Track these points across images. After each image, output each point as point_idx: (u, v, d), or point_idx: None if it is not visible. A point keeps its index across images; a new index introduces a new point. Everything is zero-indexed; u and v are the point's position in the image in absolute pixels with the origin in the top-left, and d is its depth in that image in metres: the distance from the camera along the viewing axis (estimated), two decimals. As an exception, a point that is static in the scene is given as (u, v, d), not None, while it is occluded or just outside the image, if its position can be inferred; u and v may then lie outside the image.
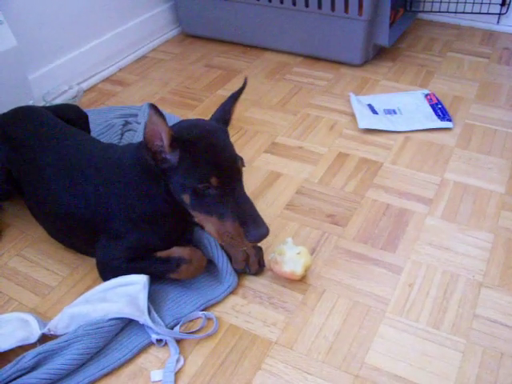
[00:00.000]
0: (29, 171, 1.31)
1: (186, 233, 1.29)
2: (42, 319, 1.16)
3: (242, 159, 1.12)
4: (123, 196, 1.18)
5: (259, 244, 1.30)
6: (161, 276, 1.22)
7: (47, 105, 1.77)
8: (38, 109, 1.47)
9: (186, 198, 1.09)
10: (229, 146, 1.11)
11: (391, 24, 2.19)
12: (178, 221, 1.21)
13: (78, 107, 1.59)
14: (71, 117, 1.50)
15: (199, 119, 1.18)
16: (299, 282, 1.25)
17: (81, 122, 1.54)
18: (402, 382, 1.05)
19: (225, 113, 1.18)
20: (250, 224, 1.05)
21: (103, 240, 1.22)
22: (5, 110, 1.45)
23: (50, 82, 1.93)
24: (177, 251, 1.20)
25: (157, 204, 1.17)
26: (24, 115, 1.42)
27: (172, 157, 1.07)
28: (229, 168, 1.07)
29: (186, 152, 1.06)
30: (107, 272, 1.21)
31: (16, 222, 1.46)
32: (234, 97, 1.18)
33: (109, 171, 1.21)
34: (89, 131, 1.59)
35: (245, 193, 1.10)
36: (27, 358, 1.05)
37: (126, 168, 1.18)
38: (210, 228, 1.10)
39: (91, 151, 1.28)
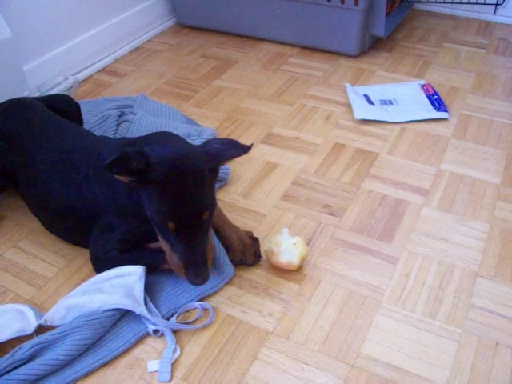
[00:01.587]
0: (22, 164, 1.31)
1: None
2: (39, 310, 1.16)
3: (210, 209, 1.07)
4: (111, 189, 1.17)
5: (255, 234, 1.31)
6: (154, 266, 1.22)
7: (41, 95, 1.76)
8: (30, 101, 1.46)
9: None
10: (197, 195, 1.04)
11: (387, 14, 2.18)
12: None
13: (69, 97, 1.59)
14: (63, 107, 1.50)
15: (183, 149, 1.08)
16: (295, 272, 1.26)
17: (73, 112, 1.53)
18: (397, 372, 1.05)
19: (215, 160, 1.08)
20: (191, 270, 1.05)
21: (96, 232, 1.22)
22: (0, 101, 1.44)
23: (46, 73, 1.92)
24: None
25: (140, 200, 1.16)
26: (16, 108, 1.41)
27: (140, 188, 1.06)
28: (190, 218, 1.03)
29: (154, 189, 1.03)
30: (100, 264, 1.21)
31: (12, 214, 1.45)
32: (231, 155, 1.09)
33: (98, 165, 1.20)
34: (81, 121, 1.59)
35: (203, 240, 1.06)
36: (24, 350, 1.05)
37: None
38: (163, 248, 1.11)
39: (83, 144, 1.27)
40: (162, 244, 1.11)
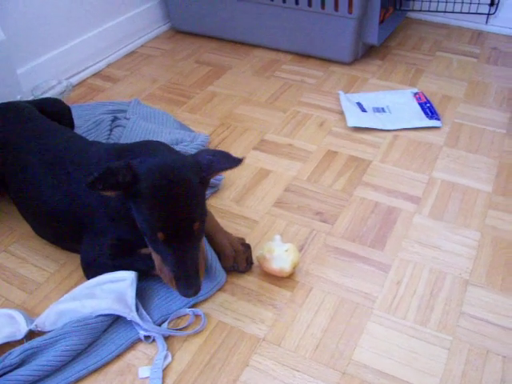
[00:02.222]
0: (13, 168, 1.31)
1: None
2: (30, 315, 1.16)
3: (201, 219, 1.07)
4: (101, 195, 1.17)
5: (247, 241, 1.31)
6: (146, 272, 1.21)
7: (34, 99, 1.76)
8: (21, 105, 1.45)
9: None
10: (187, 206, 1.04)
11: (381, 22, 2.20)
12: None
13: (60, 101, 1.59)
14: (54, 111, 1.50)
15: (172, 160, 1.08)
16: (287, 279, 1.26)
17: (64, 116, 1.53)
18: (388, 379, 1.05)
19: (206, 171, 1.08)
20: (182, 282, 1.04)
21: (87, 238, 1.21)
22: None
23: (39, 77, 1.91)
24: None
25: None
26: (6, 112, 1.41)
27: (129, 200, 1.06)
28: (180, 228, 1.03)
29: (143, 201, 1.03)
30: (91, 270, 1.21)
31: (3, 218, 1.45)
32: (223, 167, 1.09)
33: (89, 170, 1.19)
34: (72, 125, 1.59)
35: (194, 251, 1.06)
36: (14, 355, 1.05)
37: None
38: (154, 259, 1.11)
39: (74, 148, 1.27)
40: (153, 255, 1.10)
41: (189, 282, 1.04)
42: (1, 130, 1.35)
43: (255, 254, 1.29)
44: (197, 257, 1.07)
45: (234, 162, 1.10)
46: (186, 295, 1.05)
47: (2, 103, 1.45)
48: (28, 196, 1.28)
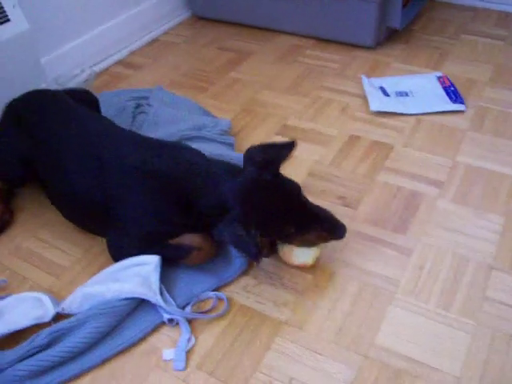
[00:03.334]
0: (45, 153, 1.32)
1: None
2: (56, 299, 1.18)
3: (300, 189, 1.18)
4: (140, 204, 1.19)
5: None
6: (171, 262, 1.23)
7: (59, 88, 1.78)
8: (53, 91, 1.47)
9: None
10: (286, 198, 1.14)
11: (404, 6, 2.16)
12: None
13: (89, 92, 1.60)
14: (83, 100, 1.51)
15: (250, 178, 1.14)
16: (310, 263, 1.26)
17: (92, 106, 1.54)
18: (410, 363, 1.05)
19: (276, 166, 1.16)
20: (333, 227, 1.17)
21: (115, 227, 1.23)
22: (18, 94, 1.45)
23: (63, 65, 1.93)
24: (188, 238, 1.21)
25: (173, 225, 1.21)
26: (38, 98, 1.42)
27: None
28: (294, 212, 1.14)
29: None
30: (120, 257, 1.23)
31: (28, 205, 1.47)
32: (285, 155, 1.18)
33: (134, 174, 1.21)
34: None
35: (314, 206, 1.18)
36: (42, 336, 1.07)
37: (163, 186, 1.19)
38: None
39: (109, 138, 1.28)
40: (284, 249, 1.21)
41: (335, 222, 1.16)
42: (34, 116, 1.37)
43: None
44: (319, 207, 1.17)
45: (288, 147, 1.19)
46: (343, 233, 1.16)
47: (36, 90, 1.47)
48: (58, 181, 1.29)
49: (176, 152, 1.24)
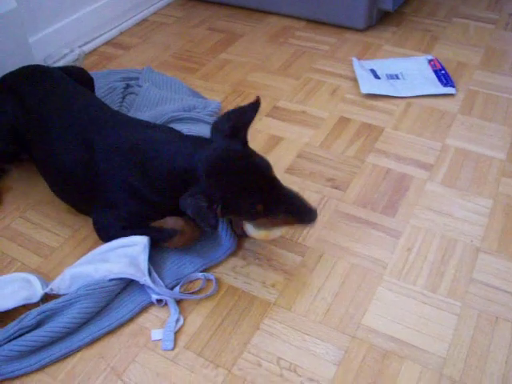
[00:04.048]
0: (37, 128, 1.31)
1: None
2: (45, 279, 1.18)
3: (270, 167, 1.13)
4: (121, 168, 1.18)
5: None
6: (155, 244, 1.22)
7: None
8: (47, 67, 1.47)
9: None
10: (255, 167, 1.10)
11: (396, -12, 2.16)
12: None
13: (85, 70, 1.58)
14: (78, 79, 1.49)
15: (221, 147, 1.11)
16: (298, 244, 1.26)
17: (87, 85, 1.53)
18: (397, 343, 1.06)
19: (242, 132, 1.14)
20: (301, 213, 1.11)
21: (99, 205, 1.23)
22: (5, 73, 1.44)
23: (51, 45, 1.91)
24: (170, 222, 1.21)
25: (150, 204, 1.19)
26: (34, 73, 1.42)
27: None
28: (264, 188, 1.09)
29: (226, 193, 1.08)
30: (104, 233, 1.23)
31: (18, 185, 1.46)
32: (251, 117, 1.16)
33: (119, 152, 1.20)
34: None
35: (287, 190, 1.14)
36: (30, 317, 1.07)
37: (148, 165, 1.17)
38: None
39: (101, 118, 1.27)
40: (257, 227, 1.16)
41: (305, 207, 1.10)
42: (27, 90, 1.36)
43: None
44: (290, 190, 1.12)
45: (253, 108, 1.15)
46: (312, 219, 1.10)
47: (30, 65, 1.46)
48: (48, 156, 1.29)
49: (151, 130, 1.23)
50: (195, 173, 1.09)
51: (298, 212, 1.10)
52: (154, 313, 1.14)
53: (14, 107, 1.34)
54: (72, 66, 1.62)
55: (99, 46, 2.12)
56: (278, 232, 1.16)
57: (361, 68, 1.86)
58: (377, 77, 1.83)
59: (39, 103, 1.33)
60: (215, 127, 1.14)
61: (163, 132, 1.24)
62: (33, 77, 1.40)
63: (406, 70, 1.89)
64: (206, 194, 1.05)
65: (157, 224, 1.22)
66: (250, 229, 1.17)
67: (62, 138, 1.26)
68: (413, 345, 1.06)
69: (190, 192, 1.06)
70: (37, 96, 1.34)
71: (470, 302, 1.14)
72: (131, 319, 1.12)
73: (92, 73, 1.82)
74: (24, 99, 1.34)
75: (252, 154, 1.13)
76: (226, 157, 1.09)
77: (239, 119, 1.14)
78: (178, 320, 1.11)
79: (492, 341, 1.07)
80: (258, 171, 1.09)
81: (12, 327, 1.06)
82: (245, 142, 1.13)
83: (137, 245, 1.16)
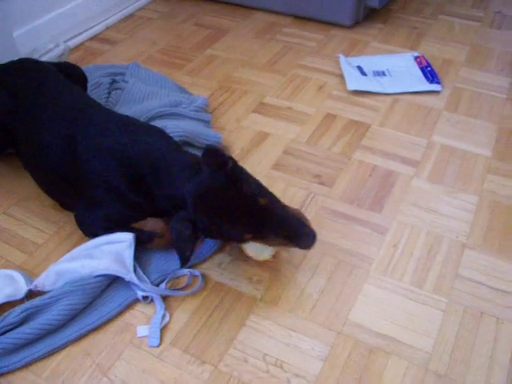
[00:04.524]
0: (25, 121, 1.30)
1: None
2: (29, 276, 1.17)
3: (262, 194, 1.09)
4: (106, 169, 1.18)
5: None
6: (138, 245, 1.21)
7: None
8: (40, 61, 1.46)
9: None
10: (242, 198, 1.07)
11: (383, -15, 2.16)
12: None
13: (77, 66, 1.56)
14: (70, 76, 1.47)
15: (207, 179, 1.07)
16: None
17: (79, 83, 1.52)
18: (383, 339, 1.07)
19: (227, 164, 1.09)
20: (297, 238, 1.08)
21: (83, 202, 1.22)
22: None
23: (36, 40, 1.89)
24: (150, 224, 1.21)
25: (131, 206, 1.19)
26: (25, 66, 1.41)
27: None
28: (251, 220, 1.07)
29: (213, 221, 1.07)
30: (86, 229, 1.24)
31: (2, 180, 1.45)
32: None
33: (97, 144, 1.20)
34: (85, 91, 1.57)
35: (281, 210, 1.10)
36: (14, 314, 1.06)
37: (139, 176, 1.16)
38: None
39: (87, 115, 1.26)
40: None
41: (301, 231, 1.06)
42: (17, 82, 1.35)
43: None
44: (288, 209, 1.09)
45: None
46: (309, 244, 1.06)
47: (21, 58, 1.45)
48: (35, 150, 1.27)
49: (142, 132, 1.23)
50: (185, 201, 1.09)
51: (292, 237, 1.06)
52: (140, 309, 1.13)
53: (4, 100, 1.33)
54: (67, 62, 1.61)
55: (85, 41, 2.10)
56: (267, 253, 1.16)
57: (347, 64, 1.86)
58: (363, 73, 1.84)
59: (29, 97, 1.31)
60: (203, 160, 1.09)
61: (150, 135, 1.23)
62: (24, 70, 1.39)
63: (392, 67, 1.89)
64: (192, 222, 1.06)
65: (137, 225, 1.21)
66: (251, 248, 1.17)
67: (48, 132, 1.25)
68: (399, 340, 1.07)
69: (180, 215, 1.08)
70: (27, 90, 1.33)
71: (455, 297, 1.15)
72: (117, 316, 1.12)
73: (77, 68, 1.82)
74: (14, 93, 1.33)
75: (240, 182, 1.06)
76: (211, 189, 1.06)
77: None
78: (163, 316, 1.10)
79: (477, 336, 1.07)
80: (245, 201, 1.05)
81: (-4, 324, 1.05)
82: (231, 175, 1.07)
83: (122, 241, 1.16)
